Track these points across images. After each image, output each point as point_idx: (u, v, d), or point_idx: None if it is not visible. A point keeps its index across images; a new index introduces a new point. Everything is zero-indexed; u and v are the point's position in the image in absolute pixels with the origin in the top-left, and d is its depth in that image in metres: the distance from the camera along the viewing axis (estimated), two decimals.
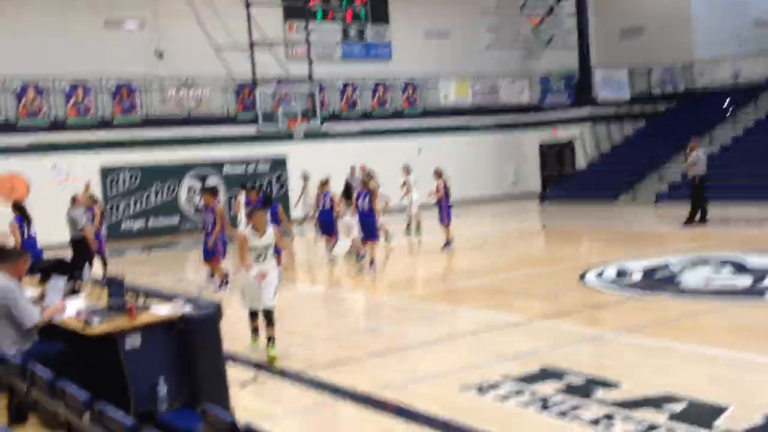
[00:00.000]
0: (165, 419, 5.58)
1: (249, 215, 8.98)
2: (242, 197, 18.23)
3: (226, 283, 13.21)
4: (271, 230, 8.79)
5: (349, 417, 6.67)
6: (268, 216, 9.93)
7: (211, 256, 13.44)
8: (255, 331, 9.07)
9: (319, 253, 18.22)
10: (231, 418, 3.82)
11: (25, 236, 12.97)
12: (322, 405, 7.02)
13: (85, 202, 15.46)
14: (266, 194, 16.01)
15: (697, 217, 18.67)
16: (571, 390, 6.84)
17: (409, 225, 20.35)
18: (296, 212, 23.73)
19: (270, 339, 8.55)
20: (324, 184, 17.32)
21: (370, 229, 14.80)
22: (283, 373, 7.92)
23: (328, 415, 6.77)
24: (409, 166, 20.28)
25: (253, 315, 9.03)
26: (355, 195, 15.44)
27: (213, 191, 13.93)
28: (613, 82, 30.73)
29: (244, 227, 16.78)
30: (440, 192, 17.37)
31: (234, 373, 7.32)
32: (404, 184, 19.46)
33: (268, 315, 8.60)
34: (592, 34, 31.99)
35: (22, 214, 13.26)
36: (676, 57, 30.97)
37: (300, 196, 22.53)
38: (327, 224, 16.88)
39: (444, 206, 17.31)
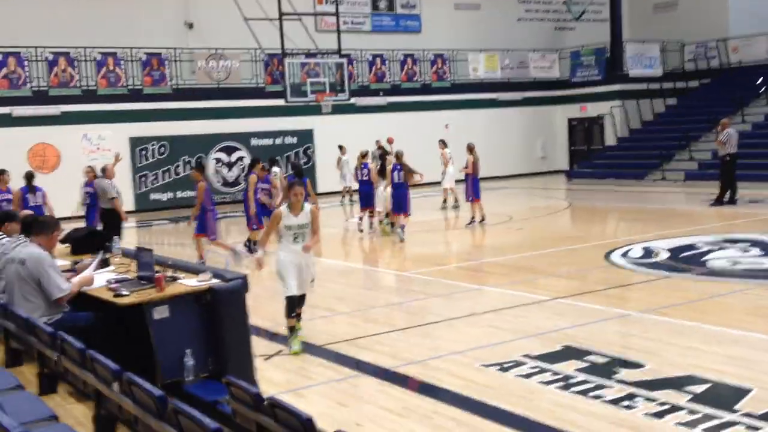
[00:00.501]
0: (191, 390, 5.68)
1: (287, 189, 8.29)
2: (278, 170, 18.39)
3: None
4: (308, 208, 8.06)
5: (370, 391, 6.75)
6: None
7: (202, 231, 13.26)
8: (293, 329, 8.12)
9: (348, 227, 18.30)
10: (256, 390, 3.90)
11: (29, 204, 13.29)
12: (344, 379, 7.11)
13: (88, 175, 15.37)
14: (297, 167, 15.59)
15: (727, 196, 18.48)
16: (593, 369, 6.87)
17: (445, 200, 20.54)
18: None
19: (298, 315, 8.26)
20: (363, 156, 17.56)
21: (402, 202, 15.48)
22: (307, 347, 8.01)
23: (349, 389, 6.86)
24: (445, 140, 20.46)
25: (292, 307, 8.14)
26: (389, 168, 15.93)
27: (200, 167, 14.06)
28: (644, 57, 30.29)
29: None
30: (469, 167, 17.35)
31: (258, 346, 7.42)
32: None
33: (302, 299, 8.32)
34: (624, 7, 31.51)
35: (27, 184, 13.84)
36: (710, 32, 30.42)
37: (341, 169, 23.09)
38: (367, 196, 16.72)
39: (471, 182, 17.28)
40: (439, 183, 20.68)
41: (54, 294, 6.27)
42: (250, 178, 14.55)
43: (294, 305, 8.10)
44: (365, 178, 16.76)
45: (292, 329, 8.07)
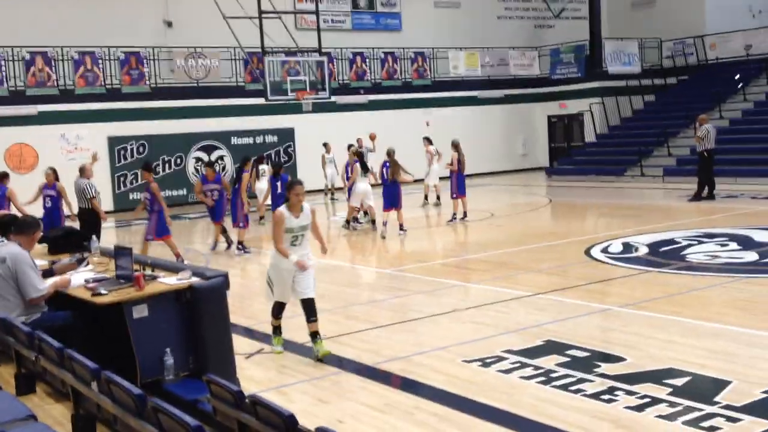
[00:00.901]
0: (170, 389, 5.65)
1: (287, 189, 7.68)
2: (267, 168, 18.65)
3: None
4: (308, 208, 7.61)
5: (352, 388, 6.74)
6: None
7: (162, 234, 13.21)
8: (278, 330, 7.91)
9: (330, 225, 18.27)
10: (237, 388, 3.88)
11: None
12: (326, 376, 7.09)
13: (48, 178, 14.76)
14: (277, 164, 16.21)
15: (705, 192, 18.62)
16: (574, 363, 6.89)
17: (426, 196, 20.57)
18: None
19: (316, 334, 7.49)
20: (389, 154, 16.22)
21: (394, 198, 15.78)
22: (288, 345, 7.98)
23: (331, 386, 6.84)
24: (430, 137, 20.53)
25: (280, 310, 7.86)
26: (381, 164, 16.20)
27: (148, 167, 14.03)
28: (623, 54, 30.46)
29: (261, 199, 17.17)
30: (454, 164, 17.34)
31: (239, 345, 7.39)
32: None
33: (310, 306, 7.49)
34: (603, 5, 31.70)
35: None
36: (688, 29, 30.66)
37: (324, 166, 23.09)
38: (391, 196, 15.93)
39: (456, 179, 17.26)
40: (422, 180, 20.68)
41: (29, 293, 6.22)
42: (243, 176, 14.72)
43: (281, 308, 7.83)
44: (387, 178, 15.96)
45: (276, 329, 7.88)
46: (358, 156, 17.36)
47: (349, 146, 19.60)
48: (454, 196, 17.37)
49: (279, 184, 15.04)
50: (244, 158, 15.94)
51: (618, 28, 32.97)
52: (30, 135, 22.55)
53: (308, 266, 7.50)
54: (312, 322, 7.47)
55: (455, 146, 17.52)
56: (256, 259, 14.09)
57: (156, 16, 25.72)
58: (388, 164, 15.91)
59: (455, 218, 17.29)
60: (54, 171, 15.00)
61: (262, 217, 18.71)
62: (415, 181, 18.74)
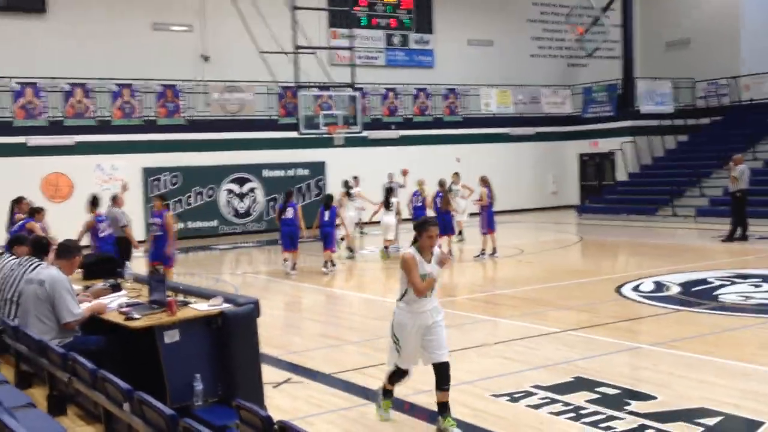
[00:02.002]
0: (199, 414, 5.67)
1: (418, 228, 6.43)
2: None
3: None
4: (437, 251, 6.44)
5: (380, 420, 6.71)
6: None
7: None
8: (390, 393, 6.71)
9: (359, 258, 18.30)
10: (266, 413, 3.90)
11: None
12: (353, 407, 7.08)
13: (24, 211, 13.77)
14: (328, 196, 17.45)
15: (738, 232, 18.42)
16: (604, 400, 6.82)
17: (460, 232, 20.54)
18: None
19: (445, 406, 6.30)
20: (441, 185, 18.12)
21: (447, 226, 17.00)
22: (316, 376, 7.99)
23: (359, 418, 6.82)
24: (459, 173, 20.71)
25: (401, 377, 6.64)
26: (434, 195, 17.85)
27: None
28: (656, 94, 30.39)
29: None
30: (484, 200, 17.40)
31: (268, 374, 7.41)
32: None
33: (444, 371, 6.30)
34: (636, 45, 31.74)
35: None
36: (722, 70, 30.55)
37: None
38: (443, 224, 16.51)
39: (486, 215, 17.31)
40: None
41: (64, 317, 6.30)
42: (166, 215, 13.91)
43: (402, 374, 6.59)
44: (419, 205, 17.91)
45: (388, 392, 6.71)
46: (387, 192, 18.18)
47: (346, 183, 20.68)
48: (484, 231, 17.37)
49: (327, 213, 16.27)
50: (160, 194, 15.52)
51: (652, 67, 32.95)
52: (66, 165, 22.94)
53: (450, 259, 6.66)
54: (443, 391, 6.26)
55: (484, 182, 17.60)
56: (282, 289, 14.13)
57: (194, 51, 26.18)
58: (440, 194, 17.52)
59: (484, 254, 17.27)
60: (28, 203, 14.06)
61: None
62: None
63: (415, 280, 6.21)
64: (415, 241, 6.42)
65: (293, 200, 16.51)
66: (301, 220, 15.96)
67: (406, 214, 18.63)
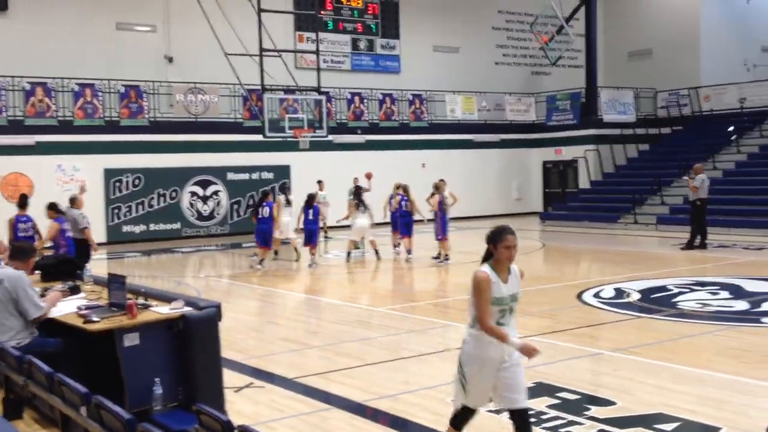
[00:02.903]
0: (158, 419, 5.61)
1: (493, 238, 5.32)
2: (283, 198, 19.29)
3: None
4: (517, 270, 5.40)
5: (340, 425, 6.70)
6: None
7: None
8: None
9: (321, 263, 18.27)
10: (226, 418, 3.88)
11: None
12: (315, 412, 7.05)
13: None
14: (311, 194, 18.15)
15: (697, 241, 18.71)
16: (565, 406, 6.88)
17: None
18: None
19: None
20: (398, 187, 18.63)
21: (409, 227, 18.08)
22: (277, 380, 7.94)
23: (320, 423, 6.80)
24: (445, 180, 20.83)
25: (467, 418, 5.49)
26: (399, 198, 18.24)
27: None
28: (618, 103, 30.83)
29: (292, 233, 18.80)
30: (435, 206, 17.52)
31: (229, 378, 7.36)
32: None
33: (524, 419, 5.19)
34: (600, 54, 32.16)
35: None
36: (683, 81, 31.08)
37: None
38: (407, 226, 18.10)
39: (439, 220, 17.41)
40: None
41: (31, 313, 6.24)
42: (51, 225, 13.63)
43: (469, 417, 5.46)
44: (405, 210, 18.15)
45: None
46: (356, 193, 18.83)
47: (282, 189, 21.70)
48: (439, 237, 17.50)
49: (311, 212, 17.24)
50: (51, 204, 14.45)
51: (614, 77, 33.44)
52: (27, 165, 22.57)
53: (536, 350, 5.14)
54: None
55: (436, 187, 17.71)
56: (245, 293, 14.05)
57: (158, 52, 25.97)
58: (405, 198, 18.01)
59: (438, 258, 17.42)
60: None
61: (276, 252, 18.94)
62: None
63: (484, 309, 5.06)
64: (487, 257, 5.29)
65: (270, 200, 17.47)
66: (276, 219, 17.22)
67: (378, 217, 19.29)
